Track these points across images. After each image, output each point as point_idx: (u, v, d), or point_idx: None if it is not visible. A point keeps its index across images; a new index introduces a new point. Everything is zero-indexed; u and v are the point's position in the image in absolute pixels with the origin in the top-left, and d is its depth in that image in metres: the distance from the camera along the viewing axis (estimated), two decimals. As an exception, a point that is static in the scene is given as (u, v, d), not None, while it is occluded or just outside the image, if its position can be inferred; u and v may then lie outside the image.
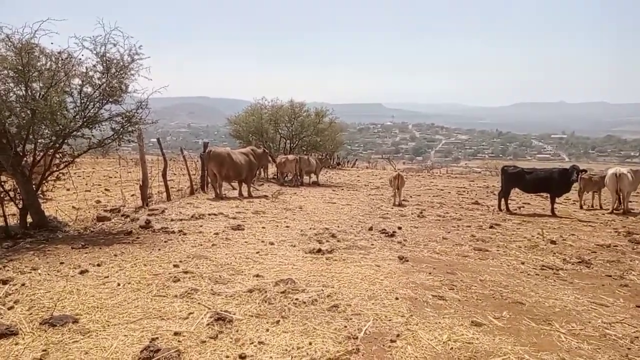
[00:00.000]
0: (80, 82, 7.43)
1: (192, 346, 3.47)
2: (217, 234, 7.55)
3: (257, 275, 5.28)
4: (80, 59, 7.31)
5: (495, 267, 6.22)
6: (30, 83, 6.81)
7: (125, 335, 3.60)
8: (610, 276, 5.98)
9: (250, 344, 3.55)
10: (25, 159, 7.30)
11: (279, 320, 4.02)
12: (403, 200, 13.03)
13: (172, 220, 8.67)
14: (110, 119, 7.82)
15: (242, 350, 3.42)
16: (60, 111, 7.04)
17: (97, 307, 4.15)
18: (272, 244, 7.02)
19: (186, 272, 5.29)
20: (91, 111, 7.57)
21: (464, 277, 5.63)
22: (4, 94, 6.73)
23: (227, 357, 3.34)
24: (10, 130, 6.90)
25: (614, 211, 11.78)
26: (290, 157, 17.26)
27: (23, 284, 4.70)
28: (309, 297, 4.59)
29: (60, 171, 8.04)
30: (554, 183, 11.34)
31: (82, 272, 5.17)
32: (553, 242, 7.88)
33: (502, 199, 11.88)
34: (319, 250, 6.60)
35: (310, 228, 8.45)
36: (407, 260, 6.30)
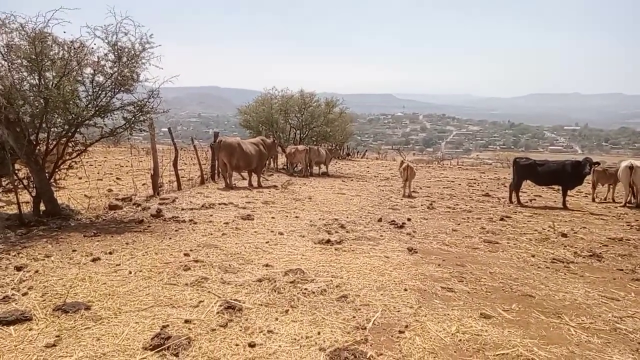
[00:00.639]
0: (92, 71, 7.47)
1: (202, 334, 3.51)
2: (227, 223, 7.59)
3: (267, 265, 5.31)
4: (92, 48, 7.35)
5: (505, 259, 6.18)
6: (43, 72, 6.86)
7: (136, 323, 3.65)
8: (622, 270, 5.92)
9: (260, 332, 3.58)
10: (38, 147, 7.39)
11: (288, 310, 4.05)
12: (413, 191, 12.98)
13: (182, 209, 8.74)
14: (122, 108, 7.86)
15: (251, 339, 3.46)
16: (72, 100, 7.10)
17: (109, 295, 4.21)
18: (281, 234, 7.04)
19: (196, 261, 5.33)
20: (103, 100, 7.62)
21: (473, 269, 5.61)
22: (17, 82, 6.79)
23: (237, 345, 3.37)
24: (24, 119, 6.97)
25: (627, 204, 11.62)
26: (300, 147, 17.26)
27: (37, 271, 4.78)
28: (318, 287, 4.60)
29: (73, 160, 8.12)
30: (566, 175, 11.21)
31: (94, 260, 5.25)
32: (564, 235, 7.81)
33: (513, 191, 11.79)
34: (328, 241, 6.61)
35: (320, 218, 8.46)
36: (416, 252, 6.29)
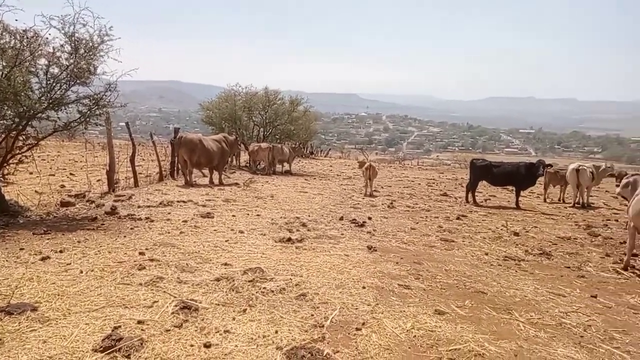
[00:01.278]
0: (46, 62, 7.14)
1: (155, 335, 3.42)
2: (185, 221, 7.44)
3: (226, 264, 5.24)
4: (47, 38, 7.02)
5: (460, 257, 6.37)
6: (-8, 61, 6.49)
7: (86, 324, 3.52)
8: (569, 267, 6.22)
9: (216, 332, 3.54)
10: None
11: (246, 309, 4.01)
12: (374, 190, 13.16)
13: (139, 206, 8.49)
14: (77, 101, 7.55)
15: (207, 339, 3.40)
16: (24, 92, 6.75)
17: (58, 295, 4.04)
18: (242, 232, 6.97)
19: (152, 260, 5.20)
20: (57, 93, 7.29)
21: (429, 266, 5.75)
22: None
23: (192, 345, 3.31)
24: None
25: (575, 205, 12.23)
26: (264, 145, 17.14)
27: (-21, 271, 4.53)
28: (277, 286, 4.59)
29: (24, 154, 7.73)
30: (520, 177, 11.67)
31: (43, 259, 5.02)
32: (516, 234, 8.13)
33: (470, 191, 12.16)
34: (289, 239, 6.60)
35: (281, 217, 8.43)
36: (376, 250, 6.38)
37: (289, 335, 3.55)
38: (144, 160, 16.01)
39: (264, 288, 4.51)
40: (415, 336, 3.66)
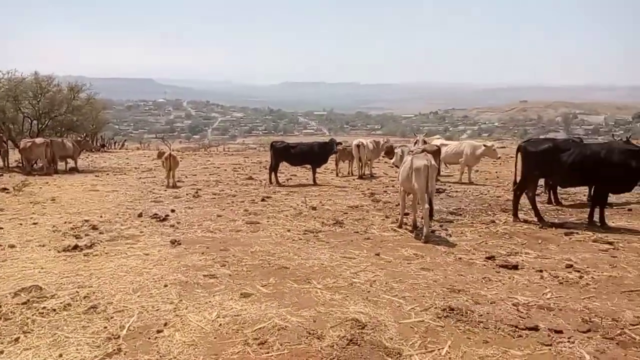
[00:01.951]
0: None
1: None
2: None
3: (-11, 289, 4.31)
4: None
5: (265, 237, 6.58)
6: None
7: None
8: (357, 232, 7.02)
9: (-24, 375, 2.87)
10: None
11: (19, 337, 3.37)
12: (178, 181, 12.58)
13: None
14: None
15: (-39, 387, 2.74)
16: None
17: None
18: (12, 246, 5.84)
19: None
20: None
21: (236, 251, 5.78)
22: None
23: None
24: None
25: (361, 176, 13.92)
26: (38, 140, 14.61)
27: None
28: (61, 303, 3.99)
29: None
30: (314, 155, 12.66)
31: None
32: (314, 209, 8.81)
33: (272, 173, 12.67)
34: (76, 247, 5.81)
35: (66, 222, 7.38)
36: (180, 244, 6.11)
37: (77, 356, 3.13)
38: None
39: (43, 308, 3.87)
40: (220, 324, 3.62)
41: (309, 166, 13.43)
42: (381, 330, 3.58)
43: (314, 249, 6.02)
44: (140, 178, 13.84)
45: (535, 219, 7.56)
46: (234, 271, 4.99)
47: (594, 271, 5.02)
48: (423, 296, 4.33)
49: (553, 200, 9.29)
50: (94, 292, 4.25)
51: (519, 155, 7.96)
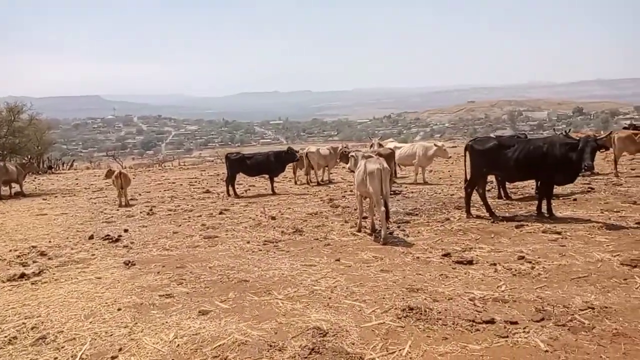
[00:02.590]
0: None
1: None
2: None
3: None
4: None
5: (223, 251, 6.46)
6: None
7: None
8: (317, 239, 7.01)
9: None
10: None
11: (-42, 380, 3.14)
12: (131, 199, 12.17)
13: None
14: None
15: None
16: None
17: None
18: (-50, 281, 5.44)
19: None
20: None
21: (193, 268, 5.64)
22: None
23: None
24: None
25: (319, 183, 13.98)
26: (-24, 165, 13.76)
27: None
28: (6, 337, 3.75)
29: None
30: (271, 165, 12.60)
31: None
32: (273, 218, 8.74)
33: (230, 185, 12.49)
34: (23, 275, 5.51)
35: (11, 250, 6.99)
36: (134, 264, 5.90)
37: (25, 393, 2.94)
38: None
39: (-15, 345, 3.62)
40: (178, 345, 3.52)
41: (266, 176, 13.35)
42: (343, 336, 3.58)
43: (274, 259, 5.97)
44: (90, 199, 13.29)
45: (487, 214, 7.84)
46: (192, 289, 4.86)
47: (545, 261, 5.25)
48: (383, 298, 4.37)
49: (503, 195, 9.66)
50: (42, 322, 4.03)
51: (467, 153, 8.24)
